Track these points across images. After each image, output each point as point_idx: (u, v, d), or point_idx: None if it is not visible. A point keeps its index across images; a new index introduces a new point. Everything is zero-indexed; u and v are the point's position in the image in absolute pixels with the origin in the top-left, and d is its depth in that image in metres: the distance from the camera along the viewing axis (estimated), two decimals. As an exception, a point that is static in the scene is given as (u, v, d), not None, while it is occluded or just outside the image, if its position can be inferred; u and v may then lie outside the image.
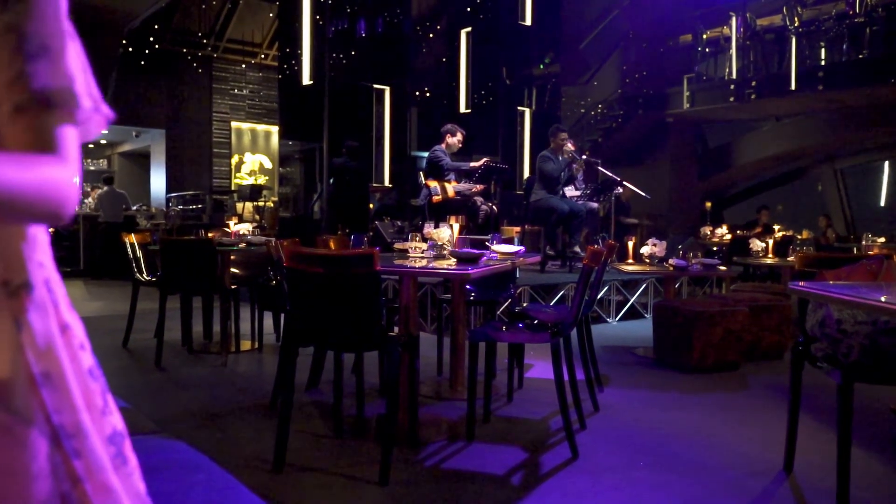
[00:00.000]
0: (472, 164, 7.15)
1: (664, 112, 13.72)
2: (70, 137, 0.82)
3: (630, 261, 5.57)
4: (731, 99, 12.55)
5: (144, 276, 5.35)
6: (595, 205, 7.64)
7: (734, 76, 12.75)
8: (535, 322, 3.51)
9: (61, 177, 0.79)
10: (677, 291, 7.40)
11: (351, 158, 8.71)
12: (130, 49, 12.02)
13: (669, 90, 13.67)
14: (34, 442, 0.81)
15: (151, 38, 12.28)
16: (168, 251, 4.81)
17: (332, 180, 8.96)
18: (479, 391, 3.30)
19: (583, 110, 14.39)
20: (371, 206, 9.42)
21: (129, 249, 5.41)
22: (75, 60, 0.84)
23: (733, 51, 12.86)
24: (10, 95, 0.80)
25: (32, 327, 0.85)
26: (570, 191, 7.40)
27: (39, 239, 0.91)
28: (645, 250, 5.42)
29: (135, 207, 11.80)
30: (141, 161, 15.02)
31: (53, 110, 0.81)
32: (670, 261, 5.24)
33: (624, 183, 7.71)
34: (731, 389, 4.29)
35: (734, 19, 12.95)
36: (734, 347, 4.77)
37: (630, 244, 5.57)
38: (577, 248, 7.30)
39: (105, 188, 11.15)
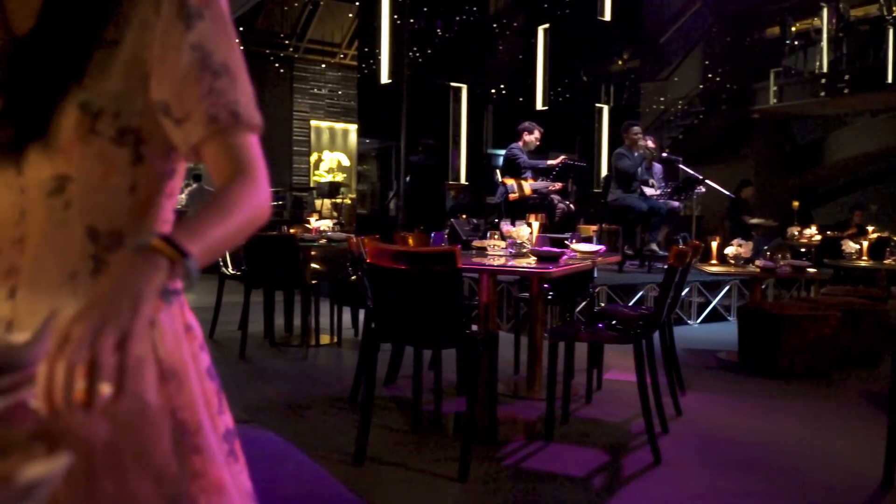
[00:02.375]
0: (549, 162, 7.08)
1: (749, 108, 13.21)
2: (257, 148, 0.89)
3: (713, 261, 5.40)
4: (822, 94, 11.97)
5: (230, 269, 5.53)
6: (677, 203, 7.43)
7: (825, 70, 12.17)
8: (617, 323, 3.45)
9: (257, 197, 0.87)
10: (763, 294, 7.13)
11: (428, 156, 8.77)
12: (217, 51, 12.43)
13: (755, 85, 13.16)
14: (163, 433, 0.84)
15: (237, 40, 12.71)
16: (253, 246, 4.95)
17: (408, 178, 9.05)
18: (556, 391, 3.27)
19: (662, 107, 14.04)
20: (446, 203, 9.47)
21: (215, 244, 5.60)
22: (247, 77, 0.91)
23: (824, 43, 12.26)
24: (201, 109, 0.86)
25: (162, 325, 0.89)
26: (649, 190, 7.23)
27: None
28: (729, 251, 5.24)
29: (219, 204, 12.22)
30: (225, 159, 15.53)
31: (241, 125, 0.87)
32: (757, 262, 5.05)
33: (706, 181, 7.48)
34: (821, 397, 4.10)
35: (825, 10, 12.36)
36: (825, 354, 4.56)
37: (714, 244, 5.40)
38: (653, 248, 7.13)
39: (194, 185, 11.59)
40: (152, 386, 0.87)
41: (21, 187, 0.87)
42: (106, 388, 0.64)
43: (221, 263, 5.55)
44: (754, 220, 9.42)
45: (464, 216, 8.44)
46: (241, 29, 12.73)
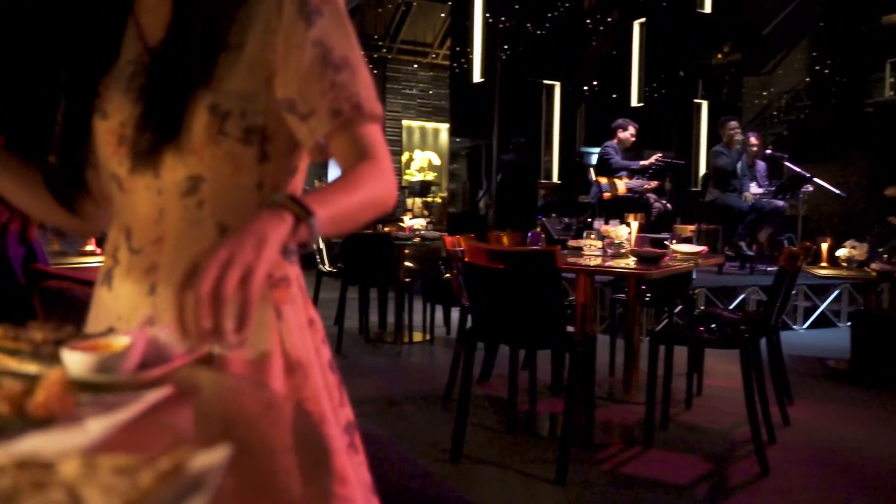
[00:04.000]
0: (642, 162, 6.89)
1: (862, 101, 12.44)
2: (381, 136, 0.92)
3: (823, 264, 5.11)
4: (945, 85, 11.14)
5: (326, 266, 5.68)
6: (781, 203, 7.09)
7: (949, 58, 11.31)
8: (718, 326, 3.32)
9: (383, 180, 0.89)
10: (878, 299, 6.70)
11: (519, 155, 8.72)
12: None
13: (869, 77, 12.38)
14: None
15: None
16: (350, 244, 5.07)
17: (499, 176, 9.03)
18: (655, 395, 3.18)
19: (765, 101, 13.43)
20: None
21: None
22: (367, 70, 0.94)
23: (948, 30, 11.40)
24: (325, 103, 0.89)
25: (288, 319, 0.92)
26: (752, 188, 6.93)
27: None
28: (842, 253, 4.95)
29: (314, 202, 12.58)
30: (319, 158, 15.97)
31: (364, 116, 0.90)
32: (872, 265, 4.75)
33: (814, 179, 7.10)
34: (946, 411, 3.81)
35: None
36: (950, 365, 4.24)
37: (824, 246, 5.11)
38: (740, 245, 6.82)
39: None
40: (279, 377, 0.91)
41: (159, 189, 0.92)
42: (230, 322, 0.66)
43: (318, 261, 5.71)
44: None
45: (554, 215, 8.35)
46: (336, 32, 13.07)
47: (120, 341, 0.71)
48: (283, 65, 0.90)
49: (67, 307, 1.51)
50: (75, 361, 0.66)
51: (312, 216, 0.77)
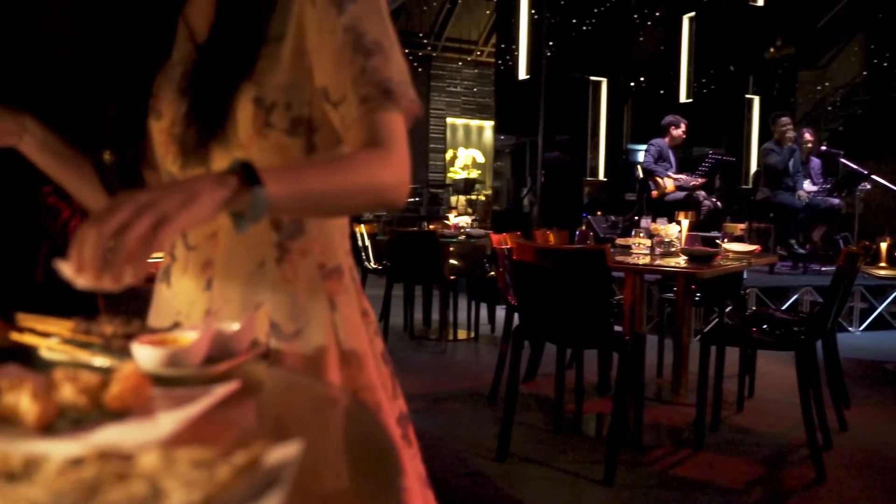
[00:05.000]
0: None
1: (923, 95, 12.00)
2: (400, 125, 0.89)
3: (882, 264, 4.95)
4: None
5: (372, 263, 5.72)
6: (836, 201, 6.88)
7: None
8: (770, 327, 3.24)
9: (387, 169, 0.84)
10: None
11: (563, 152, 8.65)
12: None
13: (930, 70, 11.92)
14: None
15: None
16: (397, 242, 5.10)
17: (544, 174, 8.97)
18: (706, 397, 3.12)
19: (820, 96, 13.05)
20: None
21: (358, 238, 5.83)
22: (402, 55, 0.92)
23: None
24: (355, 89, 0.87)
25: (342, 310, 0.93)
26: (807, 185, 6.74)
27: (347, 230, 1.00)
28: (902, 253, 4.78)
29: (359, 199, 12.68)
30: (364, 156, 16.10)
31: (389, 102, 0.87)
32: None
33: (871, 176, 6.87)
34: None
35: None
36: None
37: (883, 245, 4.95)
38: (790, 242, 6.63)
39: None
40: (335, 369, 0.91)
41: None
42: (125, 266, 0.63)
43: (364, 258, 5.76)
44: None
45: (600, 213, 8.25)
46: (382, 30, 13.13)
47: (186, 336, 0.72)
48: (318, 53, 0.89)
49: (129, 302, 1.54)
50: (146, 355, 0.67)
51: (260, 187, 0.72)
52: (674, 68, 9.54)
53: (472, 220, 6.44)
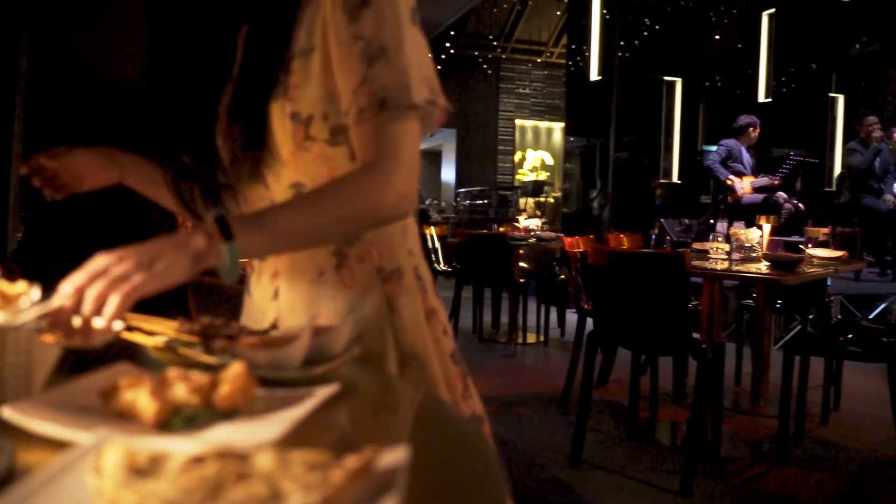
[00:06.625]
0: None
1: None
2: (401, 133, 0.85)
3: (981, 272, 4.66)
4: None
5: (441, 266, 5.76)
6: (929, 205, 6.52)
7: None
8: (856, 337, 3.09)
9: (380, 184, 0.83)
10: None
11: (632, 153, 8.48)
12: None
13: None
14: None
15: (448, 44, 13.17)
16: (467, 245, 5.11)
17: (614, 176, 8.82)
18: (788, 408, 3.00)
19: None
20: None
21: (428, 241, 5.87)
22: (416, 55, 0.87)
23: None
24: (356, 100, 0.86)
25: (402, 312, 0.93)
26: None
27: (411, 229, 1.00)
28: None
29: (427, 202, 12.77)
30: (432, 158, 16.20)
31: (388, 110, 0.84)
32: None
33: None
34: None
35: None
36: None
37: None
38: (889, 255, 6.30)
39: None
40: (393, 370, 0.92)
41: (271, 199, 0.96)
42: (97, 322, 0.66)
43: (433, 260, 5.80)
44: None
45: (672, 216, 8.05)
46: (451, 34, 13.18)
47: (286, 338, 0.74)
48: (335, 63, 0.88)
49: (219, 302, 1.60)
50: (250, 356, 0.69)
51: (229, 241, 0.74)
52: (752, 67, 9.24)
53: (543, 223, 6.39)
